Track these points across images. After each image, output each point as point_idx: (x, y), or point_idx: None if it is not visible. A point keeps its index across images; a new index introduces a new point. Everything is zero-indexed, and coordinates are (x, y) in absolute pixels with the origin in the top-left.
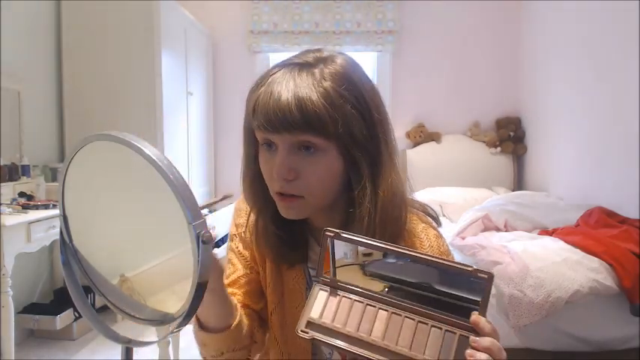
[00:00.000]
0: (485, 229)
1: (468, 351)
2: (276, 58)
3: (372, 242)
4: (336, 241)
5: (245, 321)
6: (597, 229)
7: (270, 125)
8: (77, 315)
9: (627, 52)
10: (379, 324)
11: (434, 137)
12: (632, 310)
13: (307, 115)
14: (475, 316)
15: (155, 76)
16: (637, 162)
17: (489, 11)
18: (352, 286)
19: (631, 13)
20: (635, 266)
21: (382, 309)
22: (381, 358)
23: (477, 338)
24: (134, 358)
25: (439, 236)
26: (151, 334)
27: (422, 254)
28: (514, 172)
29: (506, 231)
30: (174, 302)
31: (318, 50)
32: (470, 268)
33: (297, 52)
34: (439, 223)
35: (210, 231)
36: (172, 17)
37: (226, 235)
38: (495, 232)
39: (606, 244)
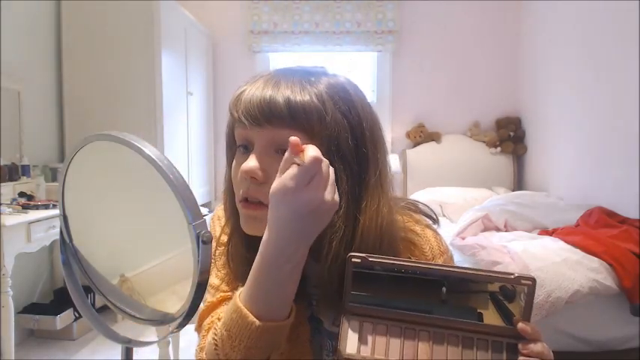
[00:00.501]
0: (485, 229)
1: (521, 358)
2: (276, 58)
3: (404, 262)
4: (358, 269)
5: None
6: (597, 229)
7: (251, 116)
8: (77, 315)
9: (627, 52)
10: (423, 346)
11: (434, 137)
12: (632, 310)
13: (293, 108)
14: (522, 323)
15: (155, 76)
16: (637, 162)
17: (489, 11)
18: (383, 310)
19: (631, 13)
20: (635, 266)
21: (423, 330)
22: None
23: (529, 345)
24: (134, 358)
25: (436, 235)
26: (151, 334)
27: (458, 268)
28: (514, 172)
29: (506, 231)
30: (174, 302)
31: (323, 67)
32: (512, 276)
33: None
34: (437, 223)
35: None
36: (172, 17)
37: None
38: (495, 232)
39: (606, 244)
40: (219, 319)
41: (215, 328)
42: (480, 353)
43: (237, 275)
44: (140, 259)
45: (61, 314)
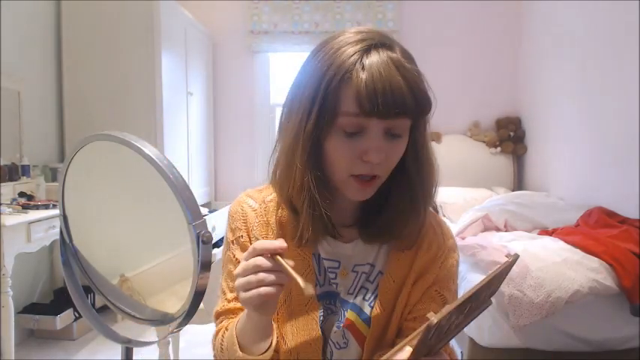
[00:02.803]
0: (485, 229)
1: None
2: (276, 58)
3: (464, 298)
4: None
5: (274, 335)
6: (597, 229)
7: (386, 110)
8: (77, 315)
9: (627, 52)
10: None
11: (434, 137)
12: (632, 310)
13: (419, 98)
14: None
15: (155, 76)
16: (637, 162)
17: (489, 11)
18: None
19: (631, 13)
20: (635, 266)
21: None
22: None
23: None
24: (134, 358)
25: (445, 223)
26: (151, 334)
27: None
28: (514, 172)
29: (506, 231)
30: (174, 302)
31: (372, 30)
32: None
33: (338, 32)
34: (436, 210)
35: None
36: (172, 17)
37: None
38: (495, 232)
39: (606, 244)
40: (225, 329)
41: (222, 336)
42: None
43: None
44: (140, 259)
45: (61, 314)
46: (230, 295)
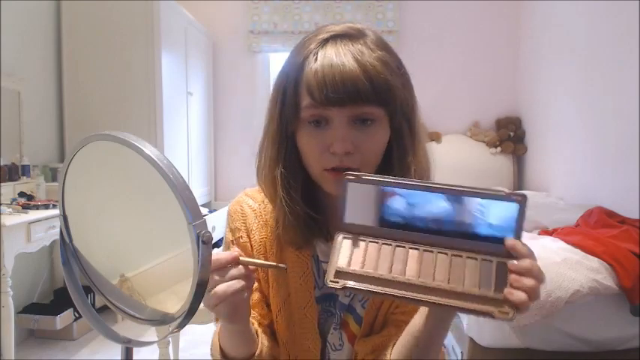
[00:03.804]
0: None
1: (513, 276)
2: (276, 58)
3: (396, 180)
4: (354, 189)
5: (265, 343)
6: (597, 229)
7: (337, 98)
8: (77, 315)
9: (627, 52)
10: (412, 263)
11: (434, 137)
12: (632, 310)
13: (375, 84)
14: (511, 240)
15: (155, 76)
16: (637, 162)
17: (489, 11)
18: (376, 228)
19: (631, 13)
20: (635, 266)
21: (412, 247)
22: (418, 295)
23: (517, 262)
24: (134, 358)
25: None
26: (151, 334)
27: (450, 186)
28: (514, 172)
29: None
30: (174, 302)
31: (342, 22)
32: (502, 193)
33: (316, 29)
34: None
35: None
36: (172, 17)
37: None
38: None
39: (606, 244)
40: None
41: (215, 335)
42: (469, 272)
43: (294, 233)
44: (140, 259)
45: (61, 314)
46: None
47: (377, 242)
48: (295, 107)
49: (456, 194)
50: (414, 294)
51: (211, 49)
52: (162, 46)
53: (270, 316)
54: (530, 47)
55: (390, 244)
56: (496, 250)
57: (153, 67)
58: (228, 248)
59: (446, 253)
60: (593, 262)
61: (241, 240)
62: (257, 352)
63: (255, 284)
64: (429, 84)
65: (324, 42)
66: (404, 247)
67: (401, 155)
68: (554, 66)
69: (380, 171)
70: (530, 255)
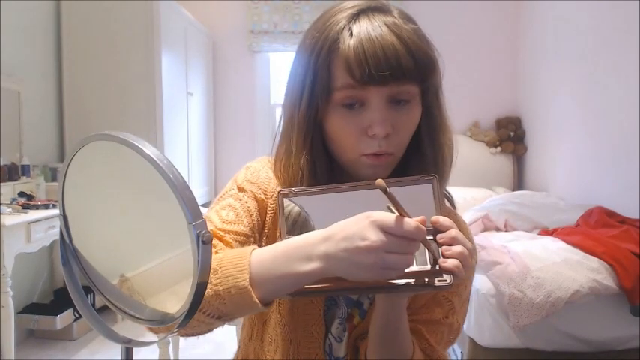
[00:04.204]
0: (485, 229)
1: (443, 247)
2: (276, 58)
3: (324, 189)
4: (288, 200)
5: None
6: (597, 229)
7: (379, 75)
8: (77, 315)
9: (627, 52)
10: None
11: None
12: (632, 310)
13: (419, 59)
14: (434, 217)
15: (155, 76)
16: (637, 162)
17: (489, 11)
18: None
19: (631, 13)
20: (635, 266)
21: None
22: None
23: (443, 234)
24: (134, 358)
25: (465, 221)
26: (151, 334)
27: (368, 182)
28: (514, 172)
29: (506, 231)
30: (175, 302)
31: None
32: (415, 178)
33: (332, 8)
34: (454, 206)
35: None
36: (172, 17)
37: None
38: (495, 232)
39: (606, 244)
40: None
41: (220, 256)
42: None
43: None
44: (140, 259)
45: (61, 314)
46: (220, 224)
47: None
48: (327, 89)
49: (380, 188)
50: (359, 286)
51: (211, 49)
52: (162, 46)
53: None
54: (530, 47)
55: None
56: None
57: (153, 67)
58: (237, 191)
59: None
60: (593, 262)
61: (259, 198)
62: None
63: (255, 245)
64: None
65: (355, 16)
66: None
67: (431, 135)
68: (554, 66)
69: (410, 151)
70: (453, 226)
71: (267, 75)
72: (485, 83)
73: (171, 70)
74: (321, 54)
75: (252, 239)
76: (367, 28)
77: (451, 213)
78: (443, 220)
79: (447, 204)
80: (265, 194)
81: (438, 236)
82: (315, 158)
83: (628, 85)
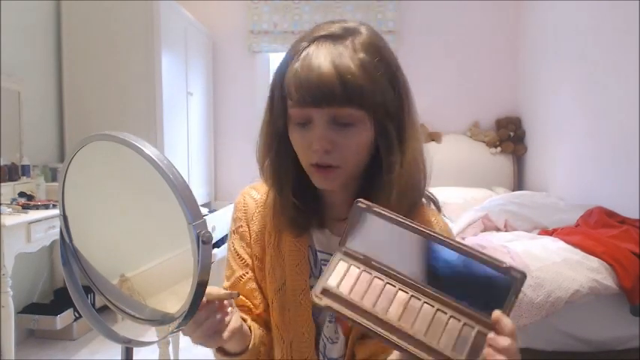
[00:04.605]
0: (485, 229)
1: (488, 349)
2: (277, 58)
3: (405, 221)
4: (361, 216)
5: (257, 333)
6: (597, 229)
7: (312, 99)
8: (77, 315)
9: (627, 52)
10: (397, 305)
11: (434, 137)
12: (632, 310)
13: (349, 88)
14: (498, 313)
15: (155, 76)
16: (637, 162)
17: (489, 11)
18: (374, 261)
19: (631, 13)
20: (635, 266)
21: (402, 290)
22: (392, 337)
23: (496, 337)
24: (134, 358)
25: (446, 223)
26: (151, 334)
27: (454, 241)
28: (514, 172)
29: (506, 231)
30: (174, 302)
31: (340, 21)
32: (504, 265)
33: (313, 27)
34: (439, 208)
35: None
36: (172, 17)
37: (226, 235)
38: (495, 232)
39: (606, 244)
40: None
41: None
42: (448, 331)
43: (285, 220)
44: (140, 259)
45: (61, 314)
46: (225, 284)
47: (370, 274)
48: (283, 105)
49: (459, 252)
50: (389, 334)
51: (211, 49)
52: (162, 46)
53: (263, 304)
54: (530, 47)
55: (382, 280)
56: (481, 317)
57: (153, 67)
58: (230, 238)
59: (432, 306)
60: (593, 262)
61: (241, 229)
62: (250, 345)
63: (250, 274)
64: (429, 84)
65: (310, 42)
66: (394, 286)
67: (387, 155)
68: (554, 66)
69: (367, 169)
70: (512, 334)
71: (267, 75)
72: (486, 83)
73: (171, 70)
74: (279, 73)
75: (246, 272)
76: (311, 56)
77: (434, 216)
78: (505, 323)
79: (432, 206)
80: (246, 217)
81: (490, 336)
82: (279, 163)
83: (628, 85)
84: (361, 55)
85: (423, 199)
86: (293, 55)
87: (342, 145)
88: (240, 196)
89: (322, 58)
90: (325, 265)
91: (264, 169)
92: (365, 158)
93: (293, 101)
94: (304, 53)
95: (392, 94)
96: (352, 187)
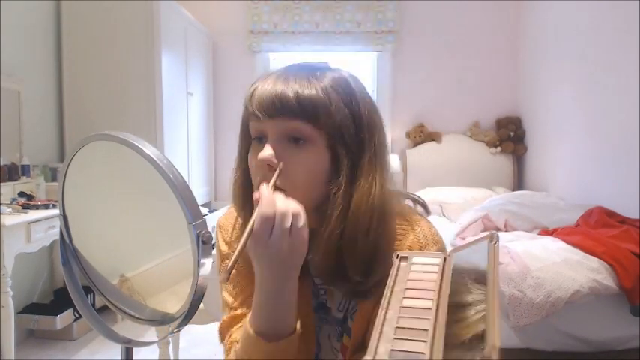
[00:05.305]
0: (485, 229)
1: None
2: (276, 58)
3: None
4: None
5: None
6: (597, 229)
7: (264, 109)
8: (77, 315)
9: (627, 52)
10: None
11: (434, 137)
12: (632, 310)
13: (302, 100)
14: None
15: (155, 76)
16: (637, 162)
17: (489, 11)
18: None
19: (631, 13)
20: (635, 266)
21: None
22: None
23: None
24: (134, 358)
25: (431, 226)
26: (151, 334)
27: None
28: (514, 172)
29: (506, 231)
30: (174, 302)
31: (327, 62)
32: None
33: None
34: (428, 211)
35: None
36: (172, 17)
37: None
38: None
39: (606, 244)
40: (236, 342)
41: (235, 351)
42: None
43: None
44: (140, 259)
45: (61, 314)
46: (235, 303)
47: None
48: (245, 123)
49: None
50: None
51: (211, 49)
52: (162, 46)
53: None
54: (531, 47)
55: None
56: None
57: (153, 67)
58: (222, 261)
59: None
60: (593, 262)
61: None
62: (298, 326)
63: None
64: (429, 84)
65: (276, 74)
66: None
67: (336, 181)
68: (554, 66)
69: (321, 201)
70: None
71: None
72: (486, 83)
73: (171, 70)
74: (246, 93)
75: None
76: (273, 80)
77: (417, 225)
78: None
79: (420, 209)
80: (227, 244)
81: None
82: (240, 183)
83: (628, 85)
84: (325, 81)
85: (410, 205)
86: (257, 79)
87: (294, 163)
88: (223, 219)
89: (282, 80)
90: (321, 288)
91: (232, 188)
92: (317, 186)
93: (250, 115)
94: (269, 75)
95: (351, 124)
96: (315, 217)
